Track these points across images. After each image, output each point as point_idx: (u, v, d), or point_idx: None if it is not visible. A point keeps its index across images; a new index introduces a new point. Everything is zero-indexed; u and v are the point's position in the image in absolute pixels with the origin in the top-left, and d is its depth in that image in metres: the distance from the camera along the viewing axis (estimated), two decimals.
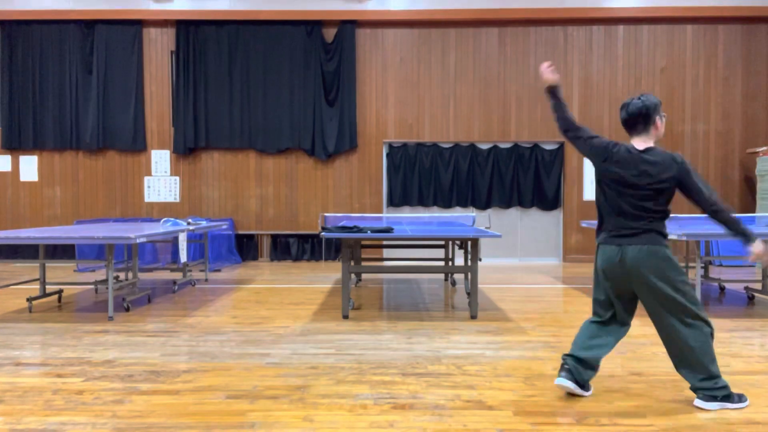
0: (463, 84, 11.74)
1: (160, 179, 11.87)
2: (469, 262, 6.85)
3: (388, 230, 6.23)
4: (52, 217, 11.86)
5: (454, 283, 8.50)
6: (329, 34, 11.69)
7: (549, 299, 7.48)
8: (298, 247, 11.94)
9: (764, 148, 11.03)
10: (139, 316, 6.25)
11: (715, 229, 6.74)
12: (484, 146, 11.78)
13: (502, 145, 11.78)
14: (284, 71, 11.63)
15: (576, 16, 11.51)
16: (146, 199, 11.88)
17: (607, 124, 11.63)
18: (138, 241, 5.92)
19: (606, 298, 3.59)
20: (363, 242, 8.90)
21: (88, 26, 11.63)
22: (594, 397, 3.62)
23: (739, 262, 10.91)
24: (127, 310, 6.46)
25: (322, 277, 9.39)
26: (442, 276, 9.32)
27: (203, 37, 11.65)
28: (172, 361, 4.46)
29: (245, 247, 11.94)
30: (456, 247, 8.07)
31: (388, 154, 11.91)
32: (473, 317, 6.05)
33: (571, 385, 3.56)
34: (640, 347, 4.82)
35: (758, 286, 7.30)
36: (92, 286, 8.05)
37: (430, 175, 11.81)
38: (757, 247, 3.31)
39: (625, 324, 3.63)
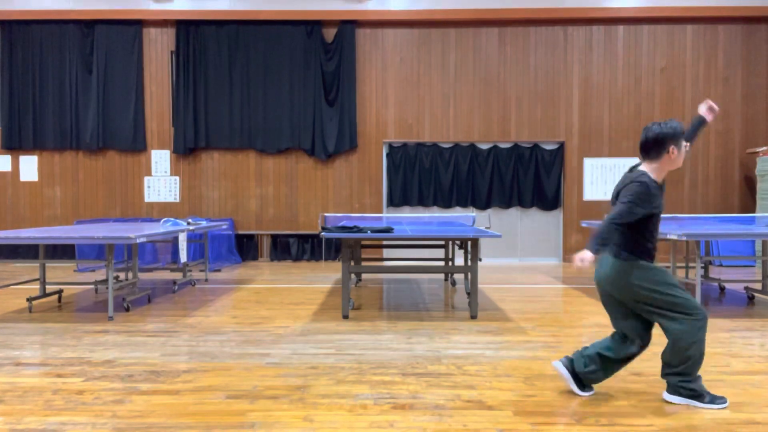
0: (463, 84, 11.73)
1: (160, 179, 11.87)
2: (469, 262, 6.85)
3: (388, 230, 6.24)
4: (52, 217, 11.86)
5: (454, 283, 8.50)
6: (329, 34, 11.69)
7: (549, 299, 7.48)
8: (298, 247, 11.94)
9: (764, 148, 11.03)
10: (139, 316, 6.25)
11: (715, 229, 6.78)
12: (484, 146, 11.78)
13: (502, 145, 11.77)
14: (284, 71, 11.63)
15: (576, 16, 11.51)
16: (146, 199, 11.87)
17: (607, 124, 11.65)
18: (138, 241, 5.93)
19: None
20: (363, 242, 8.90)
21: (88, 26, 11.63)
22: (594, 397, 3.62)
23: (739, 263, 10.92)
24: (127, 310, 6.46)
25: (322, 277, 9.38)
26: (442, 276, 9.32)
27: (203, 37, 11.65)
28: (172, 361, 4.46)
29: (245, 247, 11.94)
30: (456, 247, 8.07)
31: (388, 154, 11.91)
32: (473, 317, 6.05)
33: (562, 371, 3.62)
34: None
35: (758, 286, 7.30)
36: (92, 286, 8.05)
37: (430, 175, 11.81)
38: (581, 253, 3.24)
39: (627, 338, 3.56)
